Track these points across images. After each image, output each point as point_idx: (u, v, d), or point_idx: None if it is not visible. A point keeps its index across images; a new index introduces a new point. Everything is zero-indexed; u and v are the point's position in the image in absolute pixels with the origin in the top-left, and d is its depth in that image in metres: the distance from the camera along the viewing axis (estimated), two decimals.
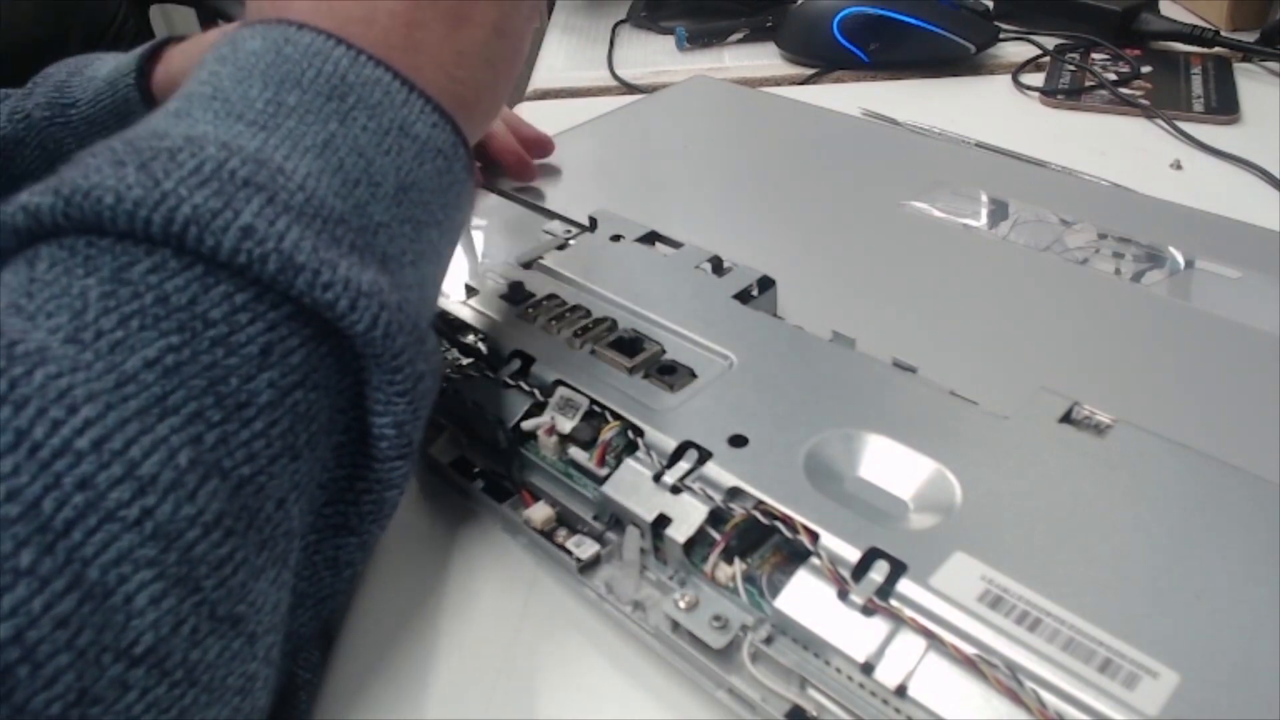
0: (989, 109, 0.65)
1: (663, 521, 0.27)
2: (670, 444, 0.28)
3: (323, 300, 0.22)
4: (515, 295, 0.36)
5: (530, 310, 0.35)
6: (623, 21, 0.87)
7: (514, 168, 0.51)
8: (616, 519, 0.29)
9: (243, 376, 0.21)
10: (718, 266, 0.37)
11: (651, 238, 0.40)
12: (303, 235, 0.22)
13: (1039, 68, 0.70)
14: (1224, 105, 0.62)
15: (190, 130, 0.23)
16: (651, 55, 0.80)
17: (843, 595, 0.24)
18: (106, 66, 0.49)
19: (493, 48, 0.28)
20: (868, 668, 0.23)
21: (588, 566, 0.29)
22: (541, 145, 0.53)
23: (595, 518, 0.30)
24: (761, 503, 0.26)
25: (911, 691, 0.22)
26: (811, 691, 0.25)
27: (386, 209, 0.25)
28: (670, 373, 0.31)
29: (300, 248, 0.22)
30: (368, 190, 0.24)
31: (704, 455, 0.28)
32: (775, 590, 0.25)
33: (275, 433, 0.22)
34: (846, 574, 0.24)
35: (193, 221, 0.21)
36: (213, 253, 0.21)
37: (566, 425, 0.31)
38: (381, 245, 0.24)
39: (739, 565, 0.27)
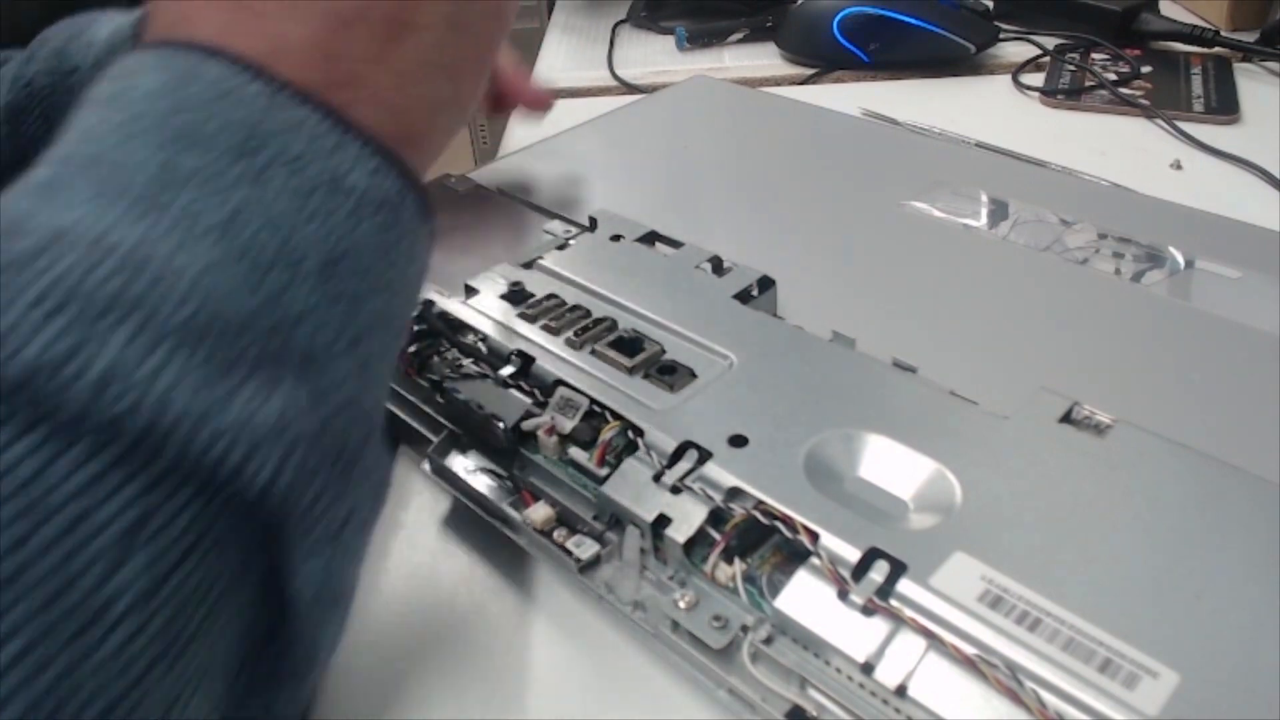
0: (989, 109, 0.65)
1: (663, 521, 0.27)
2: (670, 444, 0.28)
3: (209, 457, 0.17)
4: (515, 295, 0.36)
5: (530, 310, 0.35)
6: (623, 21, 0.87)
7: (528, 99, 0.47)
8: (616, 519, 0.29)
9: (101, 573, 0.16)
10: (718, 266, 0.37)
11: (651, 238, 0.40)
12: (184, 371, 0.17)
13: (1039, 68, 0.70)
14: (1224, 105, 0.62)
15: (58, 219, 0.18)
16: (651, 55, 0.80)
17: (843, 595, 0.24)
18: (105, 29, 0.46)
19: (448, 50, 0.23)
20: (868, 668, 0.23)
21: (588, 566, 0.29)
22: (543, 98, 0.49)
23: (595, 518, 0.30)
24: (761, 503, 0.26)
25: (911, 691, 0.22)
26: (811, 691, 0.25)
27: (311, 291, 0.20)
28: (670, 373, 0.31)
29: (178, 391, 0.17)
30: (285, 273, 0.19)
31: (704, 455, 0.28)
32: (775, 590, 0.25)
33: (152, 630, 0.17)
34: (846, 574, 0.24)
35: (38, 370, 0.16)
36: (62, 408, 0.16)
37: (566, 425, 0.31)
38: (302, 342, 0.19)
39: (739, 565, 0.27)
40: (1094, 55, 0.70)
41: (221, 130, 0.20)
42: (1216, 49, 0.69)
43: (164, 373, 0.17)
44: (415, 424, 0.36)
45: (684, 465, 0.28)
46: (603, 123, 0.58)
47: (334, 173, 0.21)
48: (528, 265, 0.38)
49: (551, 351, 0.33)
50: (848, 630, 0.24)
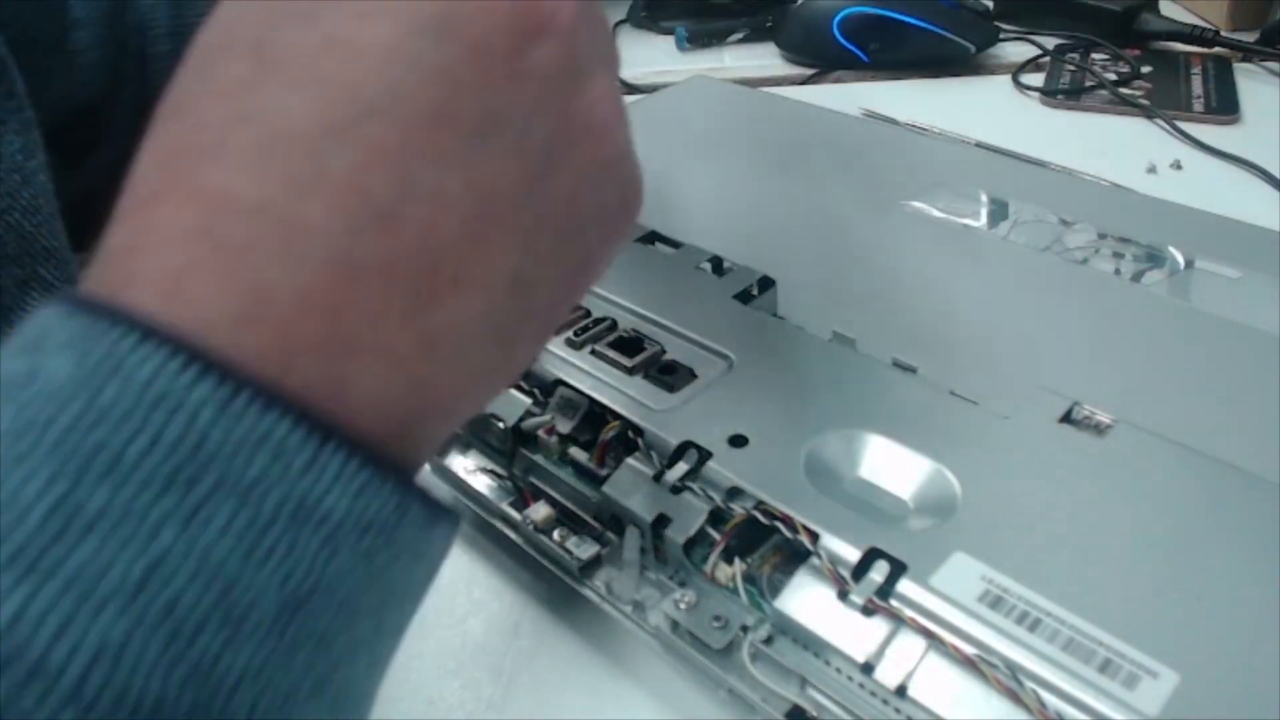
0: (989, 109, 0.65)
1: (663, 521, 0.27)
2: (670, 444, 0.28)
3: None
4: None
5: None
6: (623, 21, 0.87)
7: None
8: (616, 519, 0.29)
9: None
10: (718, 266, 0.37)
11: (651, 238, 0.40)
12: None
13: (1039, 68, 0.70)
14: (1224, 105, 0.62)
15: None
16: (651, 55, 0.80)
17: (843, 595, 0.24)
18: None
19: (505, 315, 0.18)
20: (868, 668, 0.23)
21: (588, 566, 0.29)
22: None
23: (595, 518, 0.30)
24: (761, 503, 0.26)
25: (911, 691, 0.22)
26: (811, 691, 0.25)
27: (258, 647, 0.15)
28: (670, 373, 0.31)
29: None
30: (221, 634, 0.15)
31: (704, 455, 0.28)
32: (775, 590, 0.25)
33: None
34: (846, 574, 0.24)
35: None
36: None
37: (566, 425, 0.31)
38: (239, 711, 0.15)
39: (739, 565, 0.27)
40: (1094, 55, 0.70)
41: (147, 453, 0.14)
42: (1216, 49, 0.69)
43: None
44: None
45: (684, 465, 0.28)
46: None
47: (302, 499, 0.16)
48: None
49: (551, 351, 0.33)
50: (848, 630, 0.24)
